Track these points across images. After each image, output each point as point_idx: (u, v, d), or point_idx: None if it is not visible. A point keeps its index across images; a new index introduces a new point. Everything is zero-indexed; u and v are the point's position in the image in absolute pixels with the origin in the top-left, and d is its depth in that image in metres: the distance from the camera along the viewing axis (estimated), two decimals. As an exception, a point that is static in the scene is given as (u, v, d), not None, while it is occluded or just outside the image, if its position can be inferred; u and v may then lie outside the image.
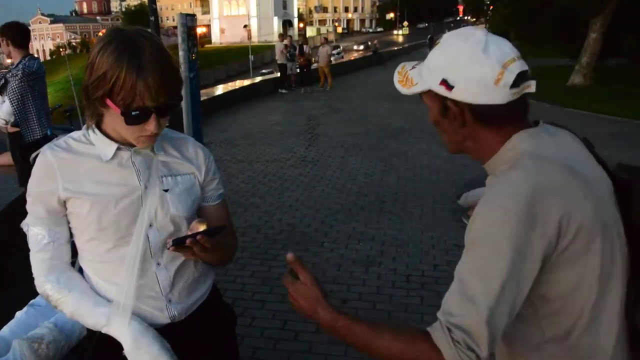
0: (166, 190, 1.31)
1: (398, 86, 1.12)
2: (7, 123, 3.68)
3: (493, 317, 0.89)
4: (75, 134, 1.32)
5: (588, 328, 1.00)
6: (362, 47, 53.79)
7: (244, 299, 3.55)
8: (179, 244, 1.22)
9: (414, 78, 1.09)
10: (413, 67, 1.12)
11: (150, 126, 1.20)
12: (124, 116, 1.17)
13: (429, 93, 1.07)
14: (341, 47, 48.70)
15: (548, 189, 0.93)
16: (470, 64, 1.00)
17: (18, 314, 2.26)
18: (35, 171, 1.28)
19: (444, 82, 1.03)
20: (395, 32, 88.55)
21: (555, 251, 0.94)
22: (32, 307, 2.28)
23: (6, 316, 2.27)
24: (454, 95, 1.03)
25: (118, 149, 1.27)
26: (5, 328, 2.19)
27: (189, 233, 1.25)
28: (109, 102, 1.17)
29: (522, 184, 0.94)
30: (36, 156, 1.31)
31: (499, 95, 1.01)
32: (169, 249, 1.25)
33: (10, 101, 3.55)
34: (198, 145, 1.44)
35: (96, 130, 1.28)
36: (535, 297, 0.98)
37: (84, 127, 1.31)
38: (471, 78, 1.00)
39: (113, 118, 1.21)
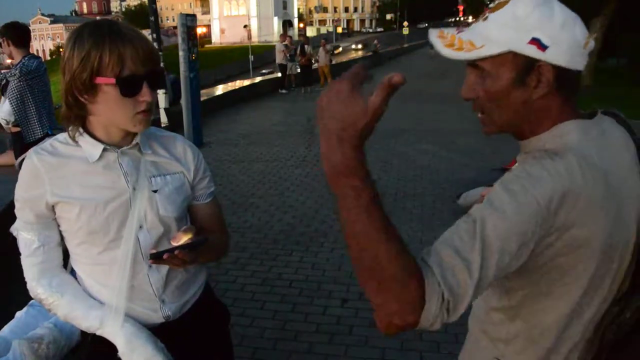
0: (155, 191, 1.30)
1: (446, 51, 0.96)
2: (7, 123, 3.68)
3: (479, 285, 0.84)
4: (61, 136, 1.30)
5: (554, 334, 0.99)
6: (360, 45, 55.53)
7: (244, 299, 3.54)
8: (157, 257, 1.21)
9: (473, 40, 0.95)
10: (460, 31, 0.98)
11: (145, 96, 1.19)
12: (118, 85, 1.16)
13: (501, 57, 0.94)
14: (375, 41, 45.30)
15: (577, 195, 0.88)
16: (567, 22, 0.92)
17: (18, 314, 2.26)
18: (22, 176, 1.27)
19: (536, 42, 0.91)
20: (354, 46, 61.67)
21: (542, 253, 0.90)
22: (32, 307, 2.27)
23: (6, 316, 2.26)
24: (547, 56, 0.91)
25: (104, 150, 1.26)
26: (5, 328, 2.19)
27: (172, 243, 1.25)
28: (99, 79, 1.16)
29: (558, 181, 0.87)
30: (22, 161, 1.29)
31: (583, 60, 0.95)
32: (149, 261, 1.25)
33: (10, 101, 3.56)
34: (187, 143, 1.43)
35: (83, 133, 1.26)
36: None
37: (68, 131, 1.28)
38: (567, 39, 0.91)
39: (105, 106, 1.19)
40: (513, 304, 1.02)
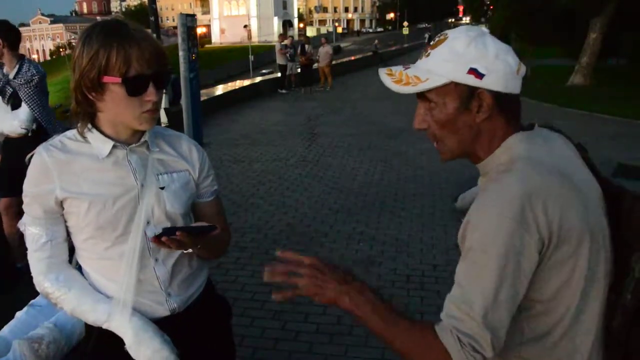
0: (162, 188, 1.33)
1: (395, 86, 1.08)
2: (28, 131, 3.51)
3: (492, 321, 0.93)
4: (70, 132, 1.33)
5: (568, 330, 1.02)
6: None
7: (244, 299, 3.55)
8: (157, 238, 1.24)
9: (418, 75, 1.06)
10: (406, 68, 1.10)
11: (151, 95, 1.23)
12: (124, 84, 1.19)
13: (444, 88, 1.04)
14: (376, 41, 42.60)
15: (541, 193, 0.95)
16: (499, 53, 1.02)
17: (18, 314, 2.26)
18: (31, 172, 1.29)
19: (473, 71, 1.01)
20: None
21: (546, 254, 0.97)
22: (32, 307, 2.27)
23: (6, 316, 2.27)
24: (484, 83, 1.02)
25: (114, 146, 1.29)
26: (5, 328, 2.19)
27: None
28: (106, 78, 1.19)
29: (516, 189, 0.96)
30: (31, 157, 1.31)
31: (517, 84, 1.05)
32: (150, 239, 1.27)
33: (32, 108, 3.44)
34: (192, 142, 1.46)
35: (93, 129, 1.29)
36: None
37: (77, 128, 1.31)
38: (501, 67, 1.02)
39: (112, 104, 1.23)
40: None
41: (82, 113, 1.27)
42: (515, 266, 0.94)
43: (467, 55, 1.02)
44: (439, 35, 1.10)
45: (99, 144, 1.29)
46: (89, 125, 1.29)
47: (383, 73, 1.11)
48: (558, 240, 0.96)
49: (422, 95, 1.08)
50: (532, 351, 1.04)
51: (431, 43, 1.10)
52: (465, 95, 1.03)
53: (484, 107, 1.03)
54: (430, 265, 4.03)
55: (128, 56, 1.18)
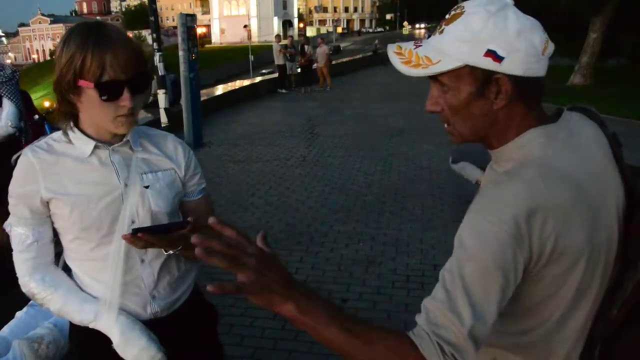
0: (147, 187, 1.33)
1: (404, 68, 0.96)
2: (16, 131, 3.32)
3: (477, 332, 0.88)
4: (56, 134, 1.34)
5: (548, 335, 0.98)
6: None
7: (243, 299, 3.51)
8: (132, 235, 1.22)
9: (429, 56, 0.94)
10: (417, 46, 0.98)
11: (125, 101, 1.21)
12: (97, 89, 1.18)
13: (458, 71, 0.93)
14: (376, 41, 39.62)
15: (545, 209, 0.88)
16: (522, 30, 0.90)
17: (18, 314, 2.26)
18: (17, 172, 1.30)
19: (491, 54, 0.90)
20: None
21: (534, 269, 0.92)
22: (32, 307, 2.27)
23: (6, 316, 2.27)
24: (504, 68, 0.90)
25: (96, 147, 1.29)
26: (5, 328, 2.19)
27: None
28: (80, 82, 1.19)
29: (520, 202, 0.88)
30: (17, 158, 1.32)
31: (543, 66, 0.93)
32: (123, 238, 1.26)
33: (16, 104, 3.33)
34: (178, 141, 1.46)
35: (75, 129, 1.29)
36: None
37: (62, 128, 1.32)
38: (523, 48, 0.90)
39: (88, 107, 1.23)
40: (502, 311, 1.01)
41: (64, 113, 1.27)
42: (504, 280, 0.88)
43: (484, 34, 0.90)
44: (455, 7, 0.97)
45: (81, 144, 1.29)
46: (71, 125, 1.29)
47: (391, 51, 0.99)
48: (548, 260, 0.90)
49: (434, 77, 0.97)
50: (508, 341, 1.02)
51: (446, 17, 0.98)
52: (482, 80, 0.93)
53: (502, 93, 0.93)
54: (430, 265, 4.02)
55: (102, 61, 1.17)
